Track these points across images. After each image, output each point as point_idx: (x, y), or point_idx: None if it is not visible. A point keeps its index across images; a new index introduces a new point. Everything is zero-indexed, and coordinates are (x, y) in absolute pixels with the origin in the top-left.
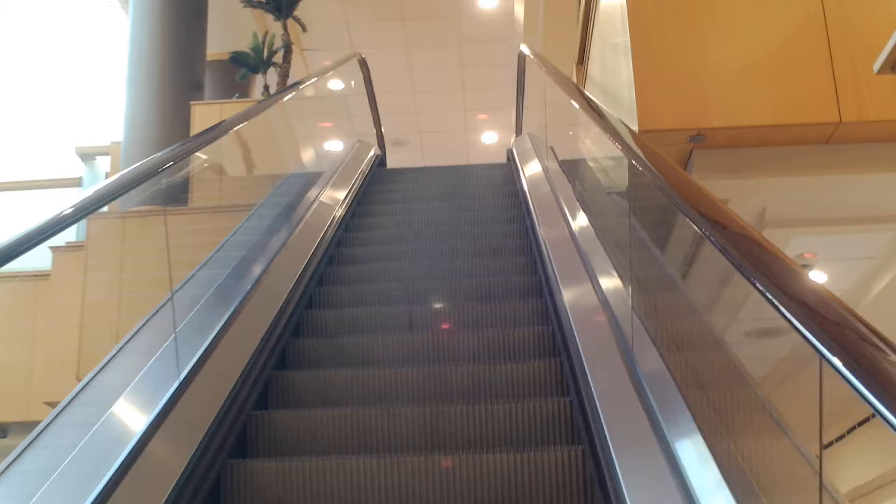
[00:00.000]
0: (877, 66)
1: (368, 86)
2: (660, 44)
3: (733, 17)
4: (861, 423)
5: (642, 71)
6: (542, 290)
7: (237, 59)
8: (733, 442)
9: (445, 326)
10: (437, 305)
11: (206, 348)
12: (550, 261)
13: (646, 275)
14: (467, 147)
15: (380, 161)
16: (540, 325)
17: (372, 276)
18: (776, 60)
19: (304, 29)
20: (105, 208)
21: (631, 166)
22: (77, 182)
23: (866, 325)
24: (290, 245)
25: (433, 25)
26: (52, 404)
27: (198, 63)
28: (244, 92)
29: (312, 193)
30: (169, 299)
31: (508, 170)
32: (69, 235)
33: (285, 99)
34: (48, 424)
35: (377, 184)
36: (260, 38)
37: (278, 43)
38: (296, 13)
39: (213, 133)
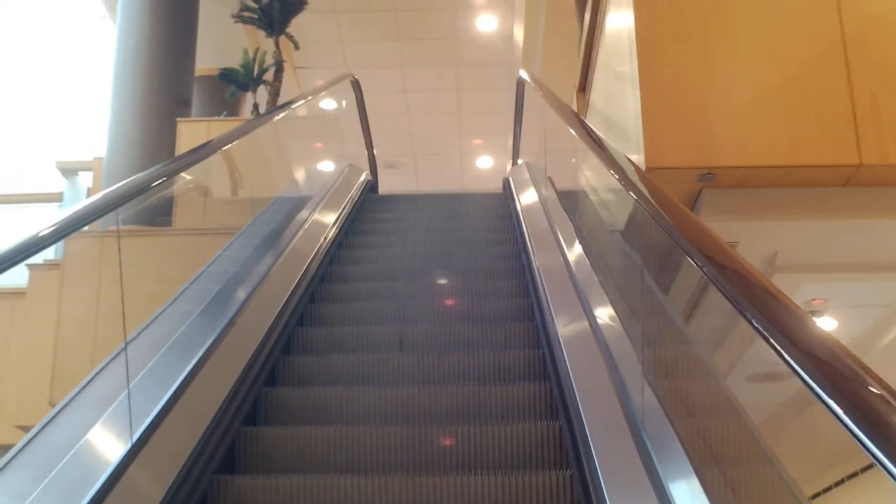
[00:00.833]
0: None
1: (361, 107)
2: (670, 75)
3: (747, 48)
4: (864, 470)
5: (650, 104)
6: (545, 367)
7: (226, 75)
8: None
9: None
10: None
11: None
12: (549, 308)
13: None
14: (462, 172)
15: (370, 187)
16: (547, 419)
17: (358, 317)
18: (791, 95)
19: (296, 46)
20: (84, 227)
21: (639, 211)
22: (57, 198)
23: (872, 375)
24: (271, 277)
25: (430, 46)
26: (25, 428)
27: (186, 78)
28: (234, 110)
29: (298, 220)
30: (121, 350)
31: (505, 202)
32: (47, 253)
33: (273, 120)
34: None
35: (367, 212)
36: (251, 55)
37: (269, 60)
38: (289, 30)
39: (198, 154)
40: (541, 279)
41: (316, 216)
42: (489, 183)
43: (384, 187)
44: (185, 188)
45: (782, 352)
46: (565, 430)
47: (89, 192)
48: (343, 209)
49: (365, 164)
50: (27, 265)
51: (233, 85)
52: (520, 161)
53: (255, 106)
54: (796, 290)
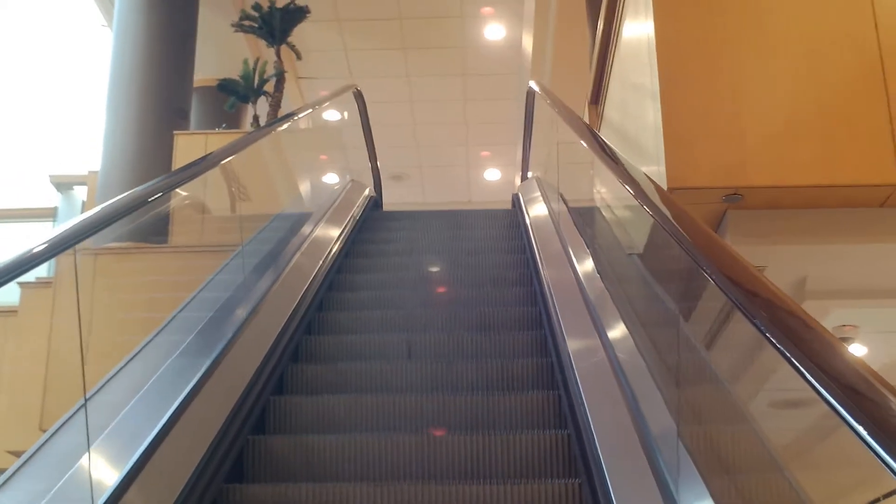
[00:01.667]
0: None
1: (364, 119)
2: (693, 88)
3: (778, 60)
4: (887, 495)
5: (672, 119)
6: (562, 413)
7: (225, 86)
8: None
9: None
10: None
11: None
12: (559, 324)
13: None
14: (469, 184)
15: (374, 204)
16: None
17: (356, 350)
18: (826, 111)
19: (298, 56)
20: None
21: (661, 234)
22: (51, 213)
23: None
24: (264, 308)
25: (436, 56)
26: (16, 454)
27: (184, 89)
28: (234, 122)
29: (295, 242)
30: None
31: (515, 219)
32: (40, 271)
33: (273, 133)
34: None
35: (369, 231)
36: (251, 65)
37: (270, 70)
38: (291, 40)
39: (195, 169)
40: (560, 326)
41: (315, 236)
42: (497, 195)
43: (389, 198)
44: (178, 205)
45: (825, 393)
46: None
47: (84, 207)
48: (343, 229)
49: (368, 177)
50: (19, 283)
51: (232, 96)
52: (530, 174)
53: (256, 118)
54: (825, 315)
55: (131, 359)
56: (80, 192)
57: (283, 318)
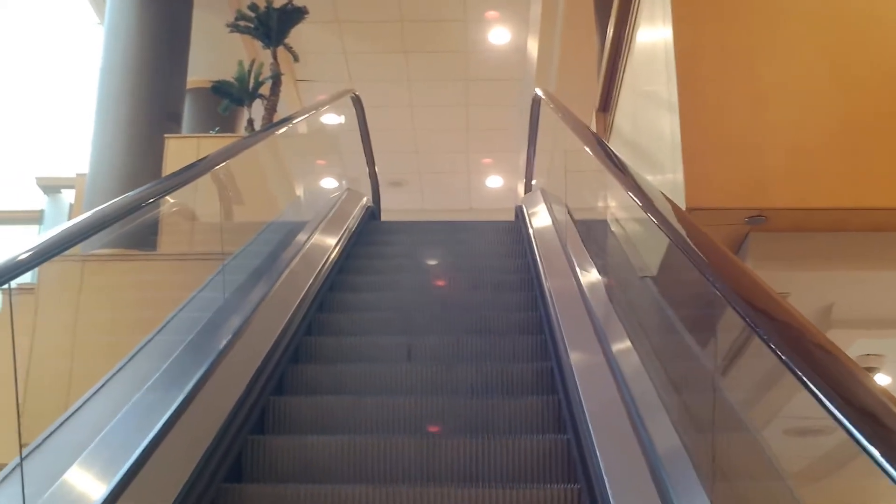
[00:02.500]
0: None
1: (363, 125)
2: (715, 101)
3: (806, 74)
4: None
5: (691, 134)
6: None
7: (219, 88)
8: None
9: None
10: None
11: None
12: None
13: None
14: (469, 191)
15: (371, 214)
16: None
17: (348, 381)
18: (857, 128)
19: (295, 59)
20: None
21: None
22: (38, 216)
23: None
24: (251, 329)
25: (438, 60)
26: None
27: (176, 90)
28: (228, 125)
29: (286, 256)
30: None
31: (518, 234)
32: (22, 277)
33: (267, 139)
34: None
35: (364, 245)
36: (246, 67)
37: (267, 72)
38: (288, 41)
39: (185, 175)
40: (570, 367)
41: (307, 249)
42: (498, 203)
43: (388, 205)
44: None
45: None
46: None
47: (71, 210)
48: (339, 242)
49: (366, 183)
50: None
51: (226, 99)
52: (534, 182)
53: (250, 122)
54: (850, 344)
55: (131, 358)
56: (68, 195)
57: (266, 346)
